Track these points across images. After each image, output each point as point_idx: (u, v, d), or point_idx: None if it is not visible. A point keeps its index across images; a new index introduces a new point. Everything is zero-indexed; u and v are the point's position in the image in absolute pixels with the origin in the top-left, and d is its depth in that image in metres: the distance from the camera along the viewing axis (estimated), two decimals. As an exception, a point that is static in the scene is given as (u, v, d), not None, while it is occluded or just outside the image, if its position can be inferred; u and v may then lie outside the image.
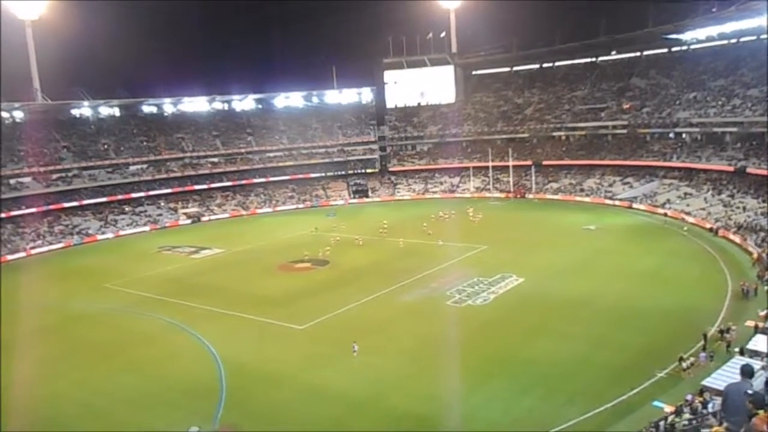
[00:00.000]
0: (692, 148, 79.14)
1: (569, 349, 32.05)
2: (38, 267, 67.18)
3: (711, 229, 58.99)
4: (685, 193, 72.87)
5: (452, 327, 36.83)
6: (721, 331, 31.38)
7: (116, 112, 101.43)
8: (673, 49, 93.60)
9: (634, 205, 75.59)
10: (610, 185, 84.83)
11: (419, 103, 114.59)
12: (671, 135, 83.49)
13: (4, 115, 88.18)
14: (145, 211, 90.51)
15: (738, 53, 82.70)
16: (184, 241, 73.80)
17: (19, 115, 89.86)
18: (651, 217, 69.96)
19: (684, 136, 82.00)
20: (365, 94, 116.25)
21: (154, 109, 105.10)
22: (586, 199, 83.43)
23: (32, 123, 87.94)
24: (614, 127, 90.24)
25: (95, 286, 54.91)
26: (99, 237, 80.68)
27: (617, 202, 78.40)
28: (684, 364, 27.97)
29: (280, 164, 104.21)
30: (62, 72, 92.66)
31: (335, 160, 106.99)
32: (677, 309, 37.00)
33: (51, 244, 76.57)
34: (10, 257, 71.06)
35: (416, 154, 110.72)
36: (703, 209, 65.78)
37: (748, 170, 66.23)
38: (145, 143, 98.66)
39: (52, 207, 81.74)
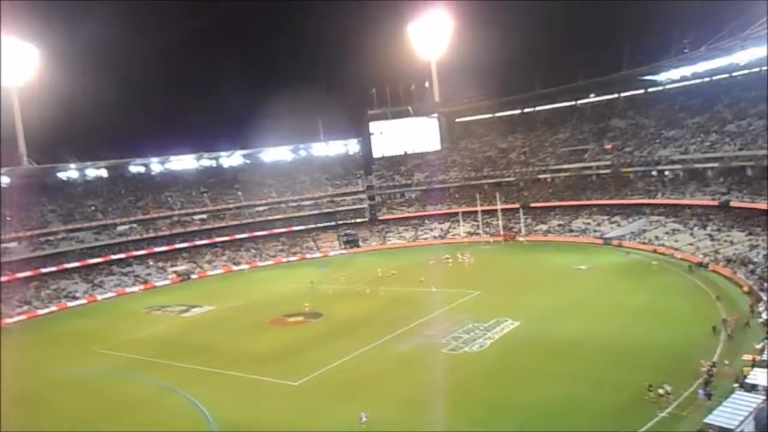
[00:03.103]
0: (675, 184, 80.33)
1: (569, 391, 31.59)
2: (25, 332, 65.69)
3: (700, 264, 59.17)
4: (673, 229, 73.49)
5: (450, 375, 36.24)
6: (711, 366, 31.26)
7: (103, 173, 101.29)
8: (650, 89, 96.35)
9: (624, 244, 75.97)
10: (599, 224, 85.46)
11: (405, 152, 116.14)
12: (654, 173, 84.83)
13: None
14: (134, 271, 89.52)
15: (712, 91, 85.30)
16: (174, 300, 72.74)
17: (5, 180, 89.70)
18: (641, 254, 70.19)
19: (666, 173, 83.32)
20: (352, 146, 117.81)
21: (141, 169, 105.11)
22: (577, 239, 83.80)
23: (18, 188, 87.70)
24: (598, 167, 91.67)
25: (83, 350, 53.69)
26: (76, 302, 79.20)
27: (613, 241, 78.50)
28: (659, 392, 28.33)
29: (270, 218, 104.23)
30: (48, 135, 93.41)
31: (324, 211, 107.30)
32: (673, 345, 36.78)
33: (38, 309, 75.18)
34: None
35: (405, 202, 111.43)
36: (691, 244, 66.29)
37: (732, 204, 67.19)
38: (132, 203, 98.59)
39: (32, 272, 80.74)
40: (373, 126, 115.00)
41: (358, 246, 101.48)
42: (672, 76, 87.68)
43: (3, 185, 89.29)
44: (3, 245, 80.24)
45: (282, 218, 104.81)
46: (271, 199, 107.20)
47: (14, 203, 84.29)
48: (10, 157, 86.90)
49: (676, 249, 66.90)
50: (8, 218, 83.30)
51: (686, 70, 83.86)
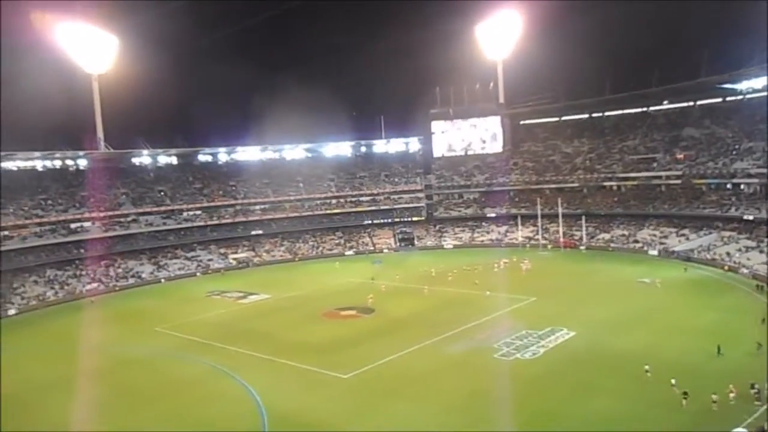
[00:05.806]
0: (752, 199, 76.09)
1: (625, 408, 30.53)
2: (92, 309, 69.18)
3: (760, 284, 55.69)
4: (746, 246, 69.67)
5: (500, 381, 35.70)
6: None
7: (174, 160, 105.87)
8: (728, 98, 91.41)
9: (692, 258, 72.63)
10: (665, 237, 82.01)
11: (466, 152, 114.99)
12: (729, 186, 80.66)
13: (69, 162, 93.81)
14: (197, 255, 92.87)
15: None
16: (233, 286, 75.02)
17: (83, 163, 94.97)
18: (709, 270, 66.95)
19: (743, 187, 79.05)
20: (412, 144, 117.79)
21: (209, 158, 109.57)
22: (641, 250, 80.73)
23: (95, 171, 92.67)
24: (668, 177, 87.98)
25: (145, 329, 56.13)
26: (142, 282, 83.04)
27: (680, 255, 75.07)
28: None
29: (327, 211, 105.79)
30: (125, 122, 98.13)
31: (382, 207, 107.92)
32: (740, 369, 34.73)
33: (106, 286, 79.27)
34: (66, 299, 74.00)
35: (463, 203, 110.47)
36: (765, 263, 62.57)
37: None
38: (199, 190, 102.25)
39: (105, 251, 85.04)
40: (435, 125, 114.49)
41: (413, 244, 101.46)
42: (754, 85, 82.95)
43: (80, 168, 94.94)
44: (80, 224, 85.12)
45: (340, 212, 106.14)
46: (330, 193, 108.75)
47: (91, 185, 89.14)
48: (89, 142, 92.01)
49: (748, 267, 63.39)
50: (84, 199, 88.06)
51: (770, 79, 79.16)
